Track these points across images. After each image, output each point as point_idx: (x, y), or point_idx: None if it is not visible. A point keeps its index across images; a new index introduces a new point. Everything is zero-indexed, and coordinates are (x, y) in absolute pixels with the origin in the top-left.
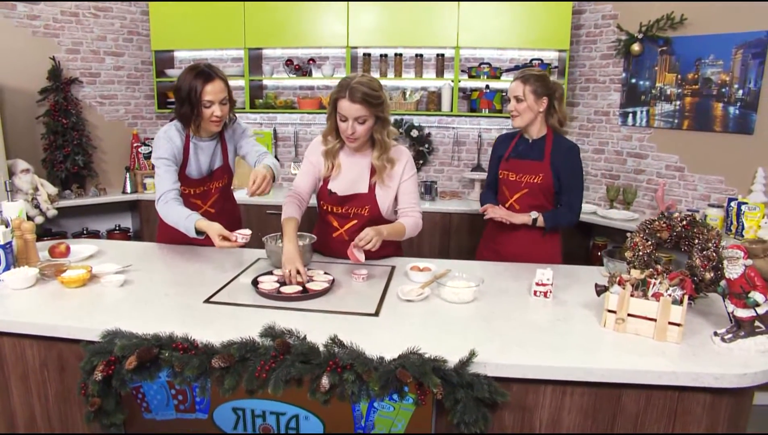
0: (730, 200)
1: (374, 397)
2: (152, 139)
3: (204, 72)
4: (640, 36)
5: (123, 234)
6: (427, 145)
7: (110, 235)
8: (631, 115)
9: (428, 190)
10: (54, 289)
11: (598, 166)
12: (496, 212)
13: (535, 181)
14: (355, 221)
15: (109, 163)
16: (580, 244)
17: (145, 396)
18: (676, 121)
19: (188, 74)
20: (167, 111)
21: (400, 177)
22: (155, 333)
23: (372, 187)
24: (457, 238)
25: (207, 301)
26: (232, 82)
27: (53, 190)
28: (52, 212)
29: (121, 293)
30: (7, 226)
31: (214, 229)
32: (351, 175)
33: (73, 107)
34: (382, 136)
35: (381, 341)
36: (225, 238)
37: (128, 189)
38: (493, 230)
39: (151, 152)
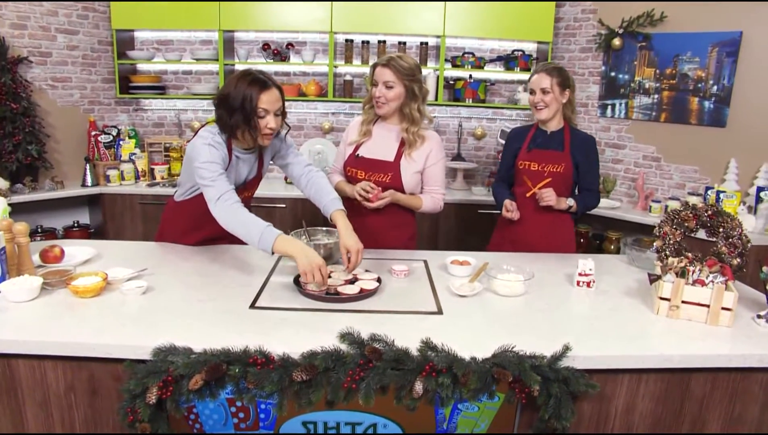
0: (708, 189)
1: (465, 399)
2: (112, 126)
3: (259, 79)
4: (621, 31)
5: (83, 231)
6: None
7: (68, 232)
8: (609, 107)
9: None
10: (61, 299)
11: None
12: (551, 198)
13: (558, 170)
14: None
15: (63, 153)
16: None
17: (198, 416)
18: (653, 113)
19: (241, 81)
20: (128, 96)
21: (426, 159)
22: (224, 347)
23: (398, 158)
24: (446, 227)
25: (253, 306)
26: (202, 67)
27: (4, 183)
28: None
29: (146, 302)
30: None
31: (317, 261)
32: (379, 143)
33: (22, 90)
34: (411, 110)
35: (458, 339)
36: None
37: (89, 182)
38: (509, 220)
39: (112, 142)
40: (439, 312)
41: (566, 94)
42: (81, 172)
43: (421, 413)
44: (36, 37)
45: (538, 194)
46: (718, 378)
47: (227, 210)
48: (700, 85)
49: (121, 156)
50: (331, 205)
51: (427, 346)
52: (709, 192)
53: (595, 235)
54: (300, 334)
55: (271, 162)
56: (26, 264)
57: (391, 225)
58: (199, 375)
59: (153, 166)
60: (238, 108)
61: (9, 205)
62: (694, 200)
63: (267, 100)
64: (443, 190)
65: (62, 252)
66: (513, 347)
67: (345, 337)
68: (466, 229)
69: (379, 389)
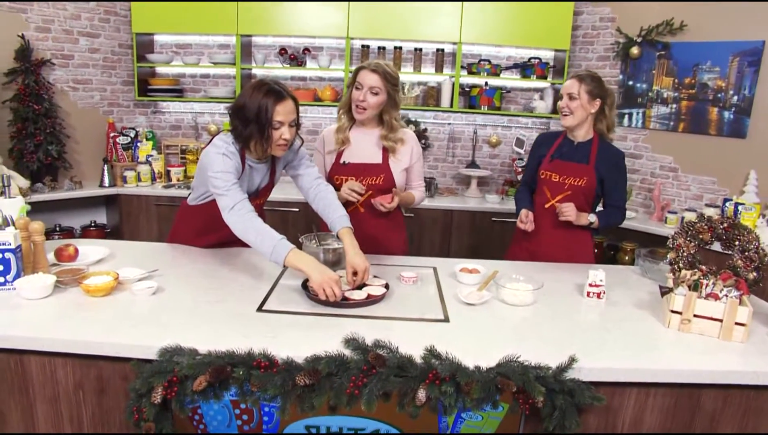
0: (726, 201)
1: (468, 408)
2: (130, 128)
3: (275, 90)
4: (639, 40)
5: (99, 231)
6: (423, 141)
7: (85, 232)
8: (627, 116)
9: (427, 186)
10: (74, 298)
11: None
12: (570, 213)
13: (579, 183)
14: (371, 193)
15: (82, 153)
16: None
17: (203, 417)
18: (671, 123)
19: (256, 92)
20: (146, 99)
21: (410, 156)
22: (229, 349)
23: (385, 159)
24: (458, 236)
25: (260, 309)
26: (219, 70)
27: (24, 183)
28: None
29: (156, 302)
30: (8, 226)
31: (330, 276)
32: (362, 147)
33: (45, 92)
34: (391, 118)
35: (463, 348)
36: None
37: (106, 182)
38: (524, 231)
39: (130, 143)
40: (446, 320)
41: (596, 105)
42: (99, 173)
43: (424, 421)
44: (59, 40)
45: (558, 208)
46: (731, 394)
47: (241, 219)
48: (720, 95)
49: (138, 157)
50: (339, 222)
51: (431, 353)
52: (727, 204)
53: (609, 246)
54: (306, 338)
55: (283, 171)
56: (41, 262)
57: (388, 227)
58: (203, 376)
59: (169, 168)
60: (253, 119)
61: (29, 203)
62: (711, 212)
63: (282, 111)
64: (423, 182)
65: (76, 251)
66: (518, 357)
67: (349, 342)
68: (478, 237)
69: (381, 396)
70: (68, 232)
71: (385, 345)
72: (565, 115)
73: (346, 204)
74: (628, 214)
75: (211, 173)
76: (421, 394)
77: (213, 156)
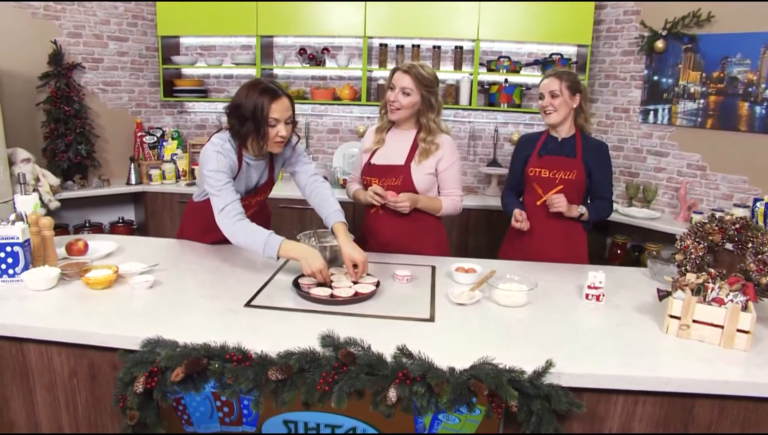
0: (756, 200)
1: (442, 410)
2: (157, 128)
3: (270, 88)
4: (665, 33)
5: (127, 227)
6: None
7: (113, 228)
8: (652, 112)
9: None
10: (77, 290)
11: (617, 163)
12: (561, 204)
13: (570, 177)
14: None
15: (111, 152)
16: (597, 241)
17: (186, 408)
18: (699, 119)
19: (251, 91)
20: (172, 99)
21: (437, 163)
22: (205, 342)
23: (408, 160)
24: (476, 235)
25: (248, 304)
26: (241, 71)
27: (55, 180)
28: (54, 204)
29: (152, 296)
30: (21, 220)
31: (319, 262)
32: (392, 149)
33: (75, 94)
34: (428, 120)
35: (443, 349)
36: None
37: (133, 180)
38: (518, 230)
39: (156, 142)
40: (431, 319)
41: (576, 99)
42: (127, 171)
43: (400, 421)
44: (90, 45)
45: (549, 200)
46: (728, 405)
47: (231, 222)
48: (750, 89)
49: (163, 156)
50: (333, 217)
51: (402, 353)
52: (758, 204)
53: (633, 247)
54: (287, 333)
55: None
56: (50, 255)
57: (413, 230)
58: (180, 368)
59: (194, 167)
60: (249, 117)
61: (59, 200)
62: (739, 212)
63: (277, 109)
64: (461, 191)
65: (86, 245)
66: (493, 359)
67: (324, 339)
68: (496, 236)
69: (354, 394)
70: (97, 228)
71: (357, 342)
72: (549, 114)
73: (370, 206)
74: (652, 213)
75: (205, 171)
76: (392, 394)
77: (209, 153)
